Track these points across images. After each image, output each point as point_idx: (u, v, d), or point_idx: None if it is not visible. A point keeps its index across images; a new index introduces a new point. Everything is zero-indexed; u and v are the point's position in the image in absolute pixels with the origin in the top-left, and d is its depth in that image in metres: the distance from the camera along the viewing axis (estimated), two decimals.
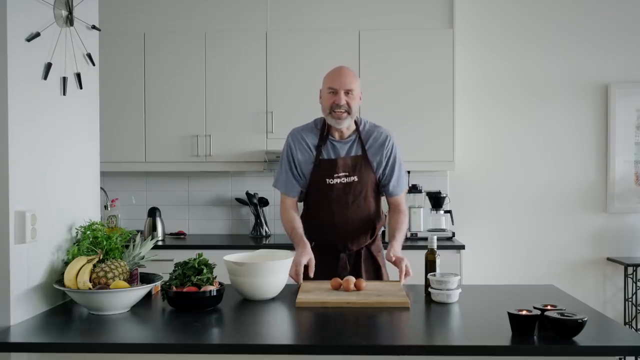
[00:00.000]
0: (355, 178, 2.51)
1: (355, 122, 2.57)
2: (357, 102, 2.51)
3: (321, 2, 4.00)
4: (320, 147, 2.53)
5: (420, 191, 4.00)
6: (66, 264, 2.10)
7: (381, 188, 2.60)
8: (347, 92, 2.45)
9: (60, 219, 2.15)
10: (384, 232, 3.46)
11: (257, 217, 4.14)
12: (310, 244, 2.58)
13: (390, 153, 2.55)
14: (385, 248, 2.54)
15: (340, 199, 2.52)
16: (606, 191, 4.21)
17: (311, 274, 2.42)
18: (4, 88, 1.86)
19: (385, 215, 2.72)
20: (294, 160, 2.56)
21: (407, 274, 2.37)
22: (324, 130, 2.56)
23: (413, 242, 3.75)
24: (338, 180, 2.51)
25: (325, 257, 2.53)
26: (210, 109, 3.98)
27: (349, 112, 2.46)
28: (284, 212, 2.61)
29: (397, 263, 2.41)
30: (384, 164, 2.55)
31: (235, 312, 2.04)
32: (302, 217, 2.63)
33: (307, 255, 2.43)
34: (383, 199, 2.66)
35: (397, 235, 2.53)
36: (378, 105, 3.77)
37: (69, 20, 2.19)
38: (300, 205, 2.68)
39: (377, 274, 2.61)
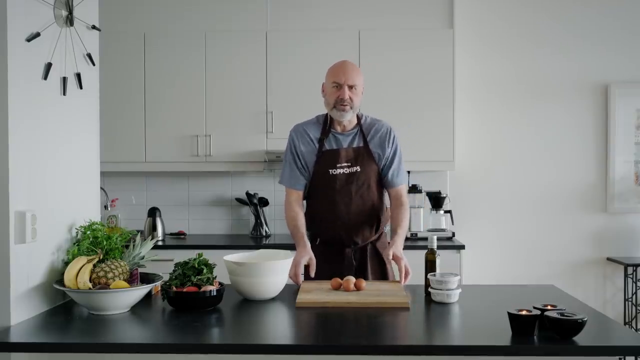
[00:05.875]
0: (358, 168, 2.53)
1: (357, 116, 2.60)
2: (360, 96, 2.54)
3: (321, 2, 4.00)
4: (322, 139, 2.56)
5: (420, 191, 3.99)
6: (66, 264, 2.10)
7: (382, 179, 2.60)
8: (350, 87, 2.48)
9: (60, 219, 2.15)
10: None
11: (257, 217, 4.14)
12: (315, 241, 2.59)
13: (393, 145, 2.58)
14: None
15: (344, 189, 2.53)
16: (606, 191, 4.21)
17: (312, 274, 2.42)
18: (4, 88, 1.86)
19: (387, 208, 2.70)
20: (297, 153, 2.58)
21: (406, 274, 2.37)
22: (326, 124, 2.58)
23: (413, 242, 3.75)
24: (341, 171, 2.53)
25: (330, 254, 2.54)
26: (210, 109, 3.98)
27: (351, 107, 2.49)
28: (288, 209, 2.60)
29: (396, 262, 2.41)
30: (388, 155, 2.56)
31: (235, 312, 2.04)
32: (306, 214, 2.63)
33: (307, 256, 2.43)
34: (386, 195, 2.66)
35: (399, 230, 2.52)
36: (378, 105, 3.76)
37: (69, 20, 2.18)
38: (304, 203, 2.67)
39: (382, 271, 2.60)
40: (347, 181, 2.53)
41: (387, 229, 2.72)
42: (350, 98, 2.47)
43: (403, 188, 2.64)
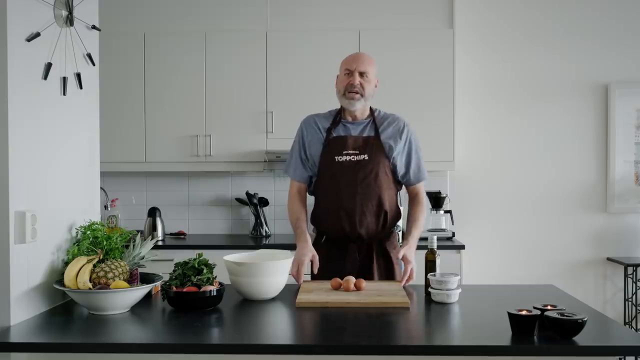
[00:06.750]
0: (366, 157, 2.47)
1: (371, 109, 2.58)
2: (372, 87, 2.51)
3: (321, 2, 4.00)
4: (330, 129, 2.53)
5: None
6: (66, 264, 2.10)
7: (402, 178, 2.57)
8: (361, 74, 2.46)
9: (60, 219, 2.15)
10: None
11: (257, 217, 4.14)
12: (321, 238, 2.55)
13: (407, 139, 2.54)
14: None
15: (349, 177, 2.46)
16: (606, 191, 4.21)
17: (315, 271, 2.41)
18: (4, 88, 1.86)
19: (400, 207, 2.65)
20: (304, 143, 2.56)
21: (409, 278, 2.36)
22: (337, 116, 2.56)
23: None
24: (347, 158, 2.47)
25: (334, 252, 2.49)
26: (210, 109, 3.98)
27: (362, 94, 2.47)
28: (290, 201, 2.58)
29: (404, 262, 2.39)
30: (401, 148, 2.52)
31: (235, 312, 2.04)
32: (313, 207, 2.59)
33: (310, 253, 2.41)
34: (400, 194, 2.61)
35: (414, 231, 2.50)
36: (378, 106, 3.76)
37: (69, 20, 2.19)
38: (310, 200, 2.62)
39: (388, 272, 2.52)
40: (353, 169, 2.46)
41: (397, 229, 2.70)
42: (361, 85, 2.45)
43: (422, 186, 2.61)
